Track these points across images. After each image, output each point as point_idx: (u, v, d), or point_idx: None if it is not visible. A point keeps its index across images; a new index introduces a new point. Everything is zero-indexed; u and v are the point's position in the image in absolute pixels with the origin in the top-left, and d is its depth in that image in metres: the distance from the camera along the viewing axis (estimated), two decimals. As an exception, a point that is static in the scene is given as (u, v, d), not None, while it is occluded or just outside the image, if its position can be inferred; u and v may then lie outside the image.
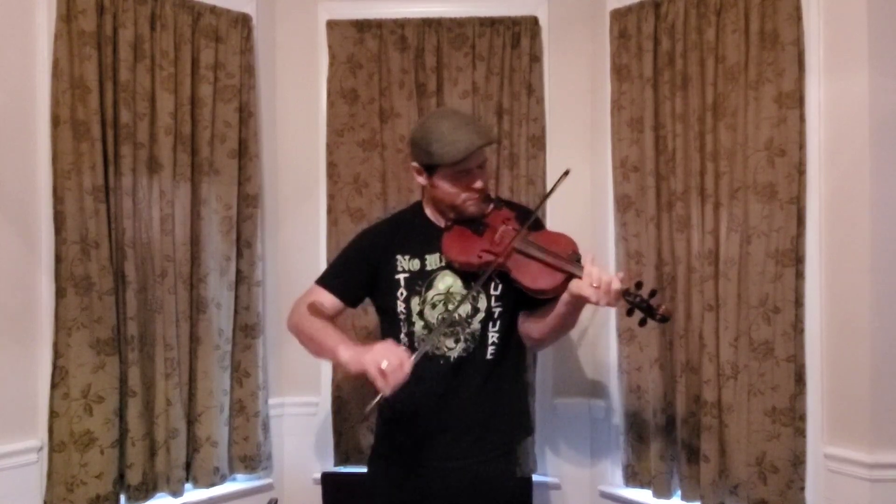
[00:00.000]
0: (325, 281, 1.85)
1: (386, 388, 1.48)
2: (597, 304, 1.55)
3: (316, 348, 1.72)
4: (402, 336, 1.76)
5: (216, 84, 2.28)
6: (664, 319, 1.57)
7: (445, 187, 1.71)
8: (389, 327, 1.80)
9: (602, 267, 1.58)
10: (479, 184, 1.71)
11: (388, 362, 1.48)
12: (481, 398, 1.74)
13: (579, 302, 1.60)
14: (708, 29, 2.09)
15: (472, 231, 1.75)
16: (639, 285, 1.58)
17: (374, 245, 1.82)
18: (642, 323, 1.60)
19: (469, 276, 1.72)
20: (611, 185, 2.33)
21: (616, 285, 1.53)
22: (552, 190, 1.76)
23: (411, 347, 1.73)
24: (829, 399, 1.92)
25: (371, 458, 1.89)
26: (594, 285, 1.53)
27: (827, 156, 1.92)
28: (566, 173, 1.73)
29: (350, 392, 2.39)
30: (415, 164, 1.75)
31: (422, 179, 1.75)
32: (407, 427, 1.76)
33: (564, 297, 1.61)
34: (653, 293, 1.57)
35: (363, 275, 1.81)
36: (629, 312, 1.59)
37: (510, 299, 1.75)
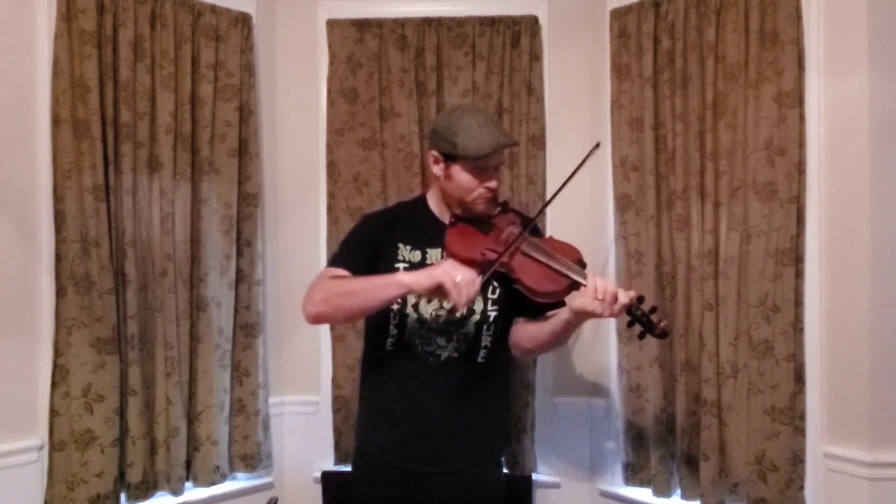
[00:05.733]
0: (339, 261, 1.74)
1: (461, 299, 1.49)
2: (600, 315, 1.54)
3: (364, 298, 1.61)
4: (392, 328, 1.73)
5: (216, 83, 2.28)
6: (663, 335, 1.60)
7: (461, 180, 1.70)
8: (380, 316, 1.75)
9: (607, 279, 1.57)
10: (493, 183, 1.72)
11: (463, 276, 1.49)
12: (469, 403, 1.73)
13: (580, 318, 1.59)
14: (708, 28, 2.09)
15: (476, 229, 1.74)
16: (640, 299, 1.60)
17: (378, 228, 1.80)
18: (641, 336, 1.63)
19: None
20: (611, 184, 2.33)
21: (623, 298, 1.53)
22: (583, 162, 1.76)
23: (400, 341, 1.73)
24: (829, 398, 1.92)
25: (355, 457, 1.86)
26: (599, 297, 1.52)
27: (827, 155, 1.92)
28: (597, 146, 1.77)
29: (350, 391, 2.39)
30: (434, 152, 1.74)
31: (437, 169, 1.74)
32: (391, 428, 1.74)
33: (565, 313, 1.61)
34: (653, 309, 1.60)
35: (370, 254, 1.76)
36: (630, 324, 1.61)
37: (507, 304, 1.74)
